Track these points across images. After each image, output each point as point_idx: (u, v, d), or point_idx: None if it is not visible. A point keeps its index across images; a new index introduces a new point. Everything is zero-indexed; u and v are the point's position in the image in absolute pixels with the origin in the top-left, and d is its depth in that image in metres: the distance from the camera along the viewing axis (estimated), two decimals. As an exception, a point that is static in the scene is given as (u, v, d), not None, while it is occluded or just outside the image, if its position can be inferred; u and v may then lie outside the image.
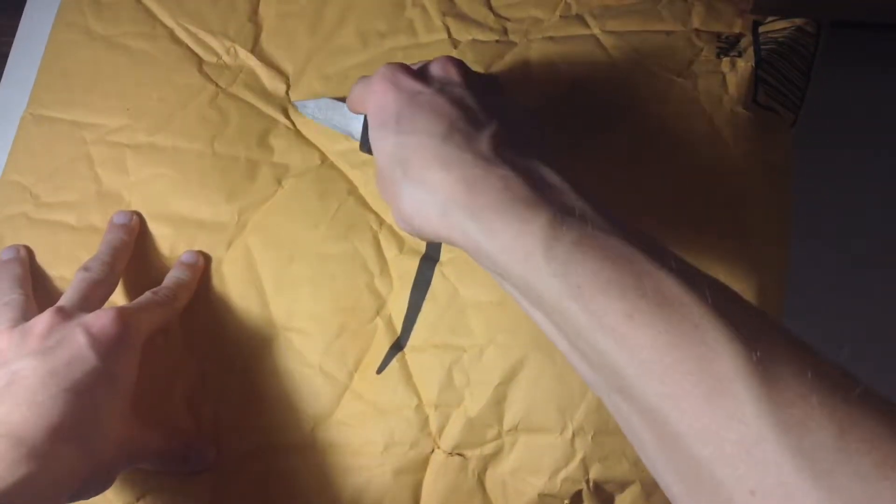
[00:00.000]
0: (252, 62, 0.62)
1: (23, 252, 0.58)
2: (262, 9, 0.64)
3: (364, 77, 0.50)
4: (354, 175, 0.58)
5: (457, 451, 0.52)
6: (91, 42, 0.64)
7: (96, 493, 0.47)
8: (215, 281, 0.57)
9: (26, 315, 0.52)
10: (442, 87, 0.45)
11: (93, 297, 0.53)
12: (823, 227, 0.71)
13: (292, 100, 0.61)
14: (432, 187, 0.41)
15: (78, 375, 0.46)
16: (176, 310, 0.55)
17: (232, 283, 0.56)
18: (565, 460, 0.50)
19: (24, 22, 0.69)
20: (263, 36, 0.63)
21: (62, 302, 0.51)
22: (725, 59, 0.57)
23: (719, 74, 0.56)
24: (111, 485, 0.48)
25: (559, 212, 0.38)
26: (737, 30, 0.59)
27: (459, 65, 0.48)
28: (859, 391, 0.30)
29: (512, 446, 0.51)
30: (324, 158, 0.59)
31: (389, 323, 0.55)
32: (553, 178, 0.41)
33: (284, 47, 0.62)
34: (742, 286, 0.52)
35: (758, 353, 0.31)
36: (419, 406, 0.53)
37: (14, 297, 0.53)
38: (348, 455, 0.53)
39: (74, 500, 0.45)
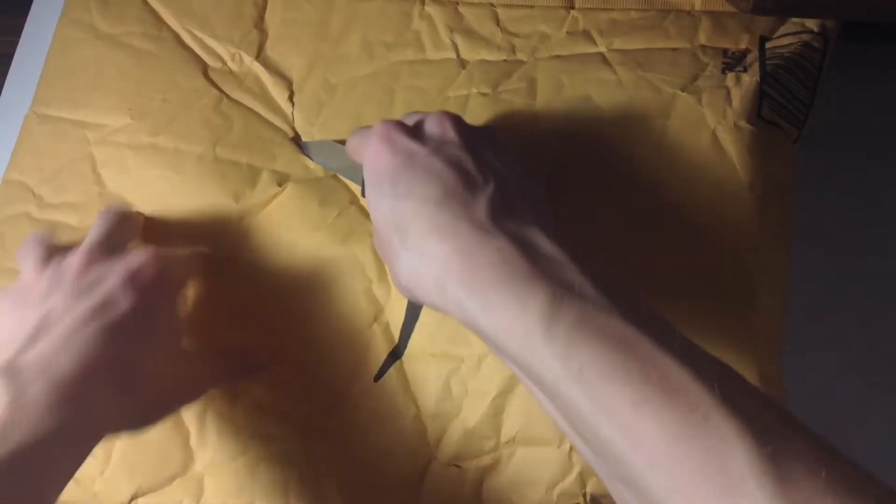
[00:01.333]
0: (257, 69, 0.62)
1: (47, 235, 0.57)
2: (267, 15, 0.64)
3: (361, 129, 0.50)
4: (358, 189, 0.58)
5: (454, 463, 0.52)
6: (96, 40, 0.64)
7: (144, 428, 0.48)
8: (218, 285, 0.56)
9: (54, 254, 0.51)
10: (438, 147, 0.45)
11: (119, 237, 0.53)
12: (823, 237, 0.71)
13: (295, 105, 0.61)
14: (429, 258, 0.41)
15: (113, 316, 0.46)
16: (205, 257, 0.55)
17: (233, 288, 0.56)
18: (562, 474, 0.50)
19: (31, 21, 0.69)
20: (269, 43, 0.63)
21: (91, 241, 0.50)
22: (731, 74, 0.57)
23: (724, 89, 0.56)
24: (160, 421, 0.48)
25: (558, 288, 0.37)
26: (743, 45, 0.58)
27: (455, 121, 0.47)
28: (878, 493, 0.29)
29: (509, 458, 0.51)
30: (326, 171, 0.59)
31: (387, 330, 0.54)
32: (549, 247, 0.40)
33: (289, 54, 0.62)
34: (743, 302, 0.52)
35: (770, 448, 0.30)
36: (417, 416, 0.53)
37: (40, 239, 0.52)
38: (347, 464, 0.52)
39: (119, 433, 0.46)
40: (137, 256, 0.49)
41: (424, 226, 0.41)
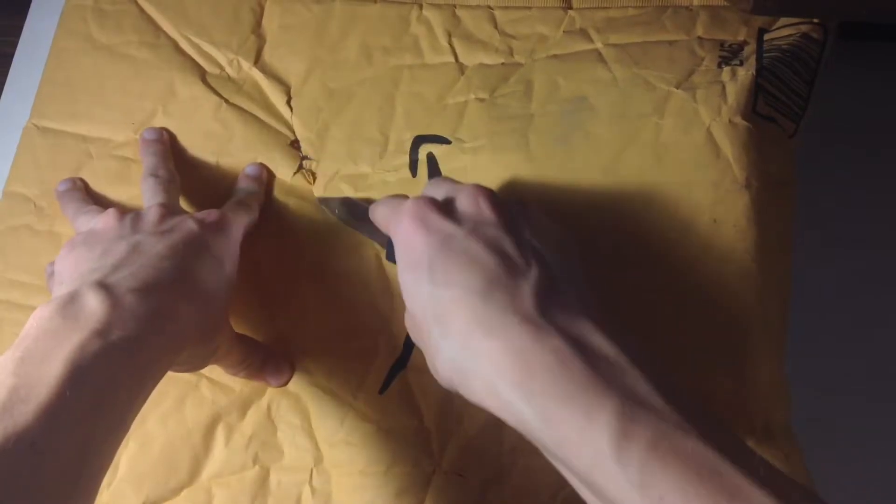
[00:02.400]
0: (256, 75, 0.62)
1: (79, 182, 0.60)
2: (265, 21, 0.64)
3: (391, 199, 0.49)
4: (359, 197, 0.58)
5: (457, 472, 0.52)
6: (94, 51, 0.64)
7: (192, 369, 0.50)
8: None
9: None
10: (474, 228, 0.43)
11: (173, 196, 0.56)
12: (828, 235, 0.71)
13: (293, 110, 0.61)
14: (476, 355, 0.38)
15: (195, 254, 0.49)
16: (254, 216, 0.57)
17: (237, 300, 0.56)
18: (563, 482, 0.49)
19: (27, 29, 0.69)
20: (267, 48, 0.63)
21: (156, 201, 0.54)
22: (726, 69, 0.56)
23: (719, 84, 0.56)
24: (205, 366, 0.50)
25: (626, 400, 0.35)
26: (741, 37, 0.58)
27: (490, 197, 0.45)
28: None
29: (511, 467, 0.51)
30: (327, 182, 0.59)
31: (391, 341, 0.55)
32: (607, 347, 0.38)
33: (288, 60, 0.62)
34: (743, 302, 0.52)
35: None
36: (421, 426, 0.53)
37: (93, 206, 0.57)
38: (354, 475, 0.53)
39: (177, 368, 0.48)
40: (209, 212, 0.53)
41: (468, 318, 0.39)
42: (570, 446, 0.35)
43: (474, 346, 0.39)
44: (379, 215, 0.49)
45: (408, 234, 0.43)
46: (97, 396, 0.39)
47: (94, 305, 0.42)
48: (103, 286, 0.43)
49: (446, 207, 0.45)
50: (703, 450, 0.33)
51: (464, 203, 0.45)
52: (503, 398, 0.37)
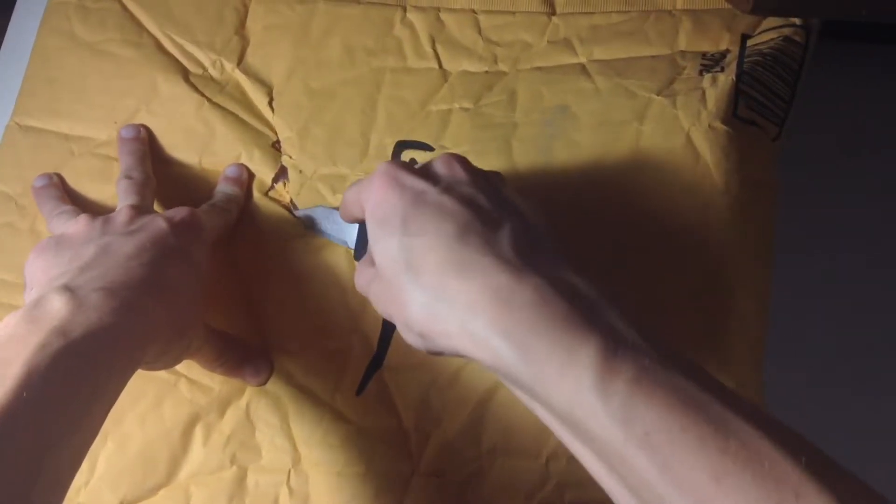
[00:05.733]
0: (238, 76, 0.62)
1: (55, 178, 0.60)
2: (249, 22, 0.64)
3: (357, 181, 0.47)
4: (337, 199, 0.58)
5: (436, 474, 0.52)
6: (77, 48, 0.64)
7: (166, 366, 0.50)
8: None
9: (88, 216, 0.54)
10: (448, 186, 0.42)
11: (147, 197, 0.56)
12: (809, 238, 0.71)
13: (275, 109, 0.61)
14: (451, 298, 0.37)
15: (163, 252, 0.49)
16: (231, 218, 0.57)
17: (209, 300, 0.56)
18: (541, 483, 0.50)
19: (12, 28, 0.69)
20: (250, 49, 0.63)
21: (127, 203, 0.54)
22: (707, 76, 0.56)
23: (699, 91, 0.56)
24: (179, 362, 0.50)
25: (608, 337, 0.34)
26: (724, 45, 0.58)
27: (464, 162, 0.44)
28: None
29: (490, 469, 0.51)
30: (304, 181, 0.59)
31: (365, 340, 0.55)
32: (587, 289, 0.37)
33: (270, 60, 0.62)
34: (719, 308, 0.52)
35: None
36: (399, 427, 0.53)
37: (68, 207, 0.57)
38: (332, 476, 0.53)
39: (150, 365, 0.48)
40: (178, 210, 0.53)
41: (442, 261, 0.38)
42: (550, 382, 0.34)
43: (448, 287, 0.37)
44: (349, 196, 0.47)
45: (380, 191, 0.42)
46: (57, 394, 0.39)
47: (57, 307, 0.42)
48: (68, 289, 0.43)
49: (420, 170, 0.44)
50: (686, 384, 0.32)
51: (438, 166, 0.44)
52: (478, 336, 0.36)
